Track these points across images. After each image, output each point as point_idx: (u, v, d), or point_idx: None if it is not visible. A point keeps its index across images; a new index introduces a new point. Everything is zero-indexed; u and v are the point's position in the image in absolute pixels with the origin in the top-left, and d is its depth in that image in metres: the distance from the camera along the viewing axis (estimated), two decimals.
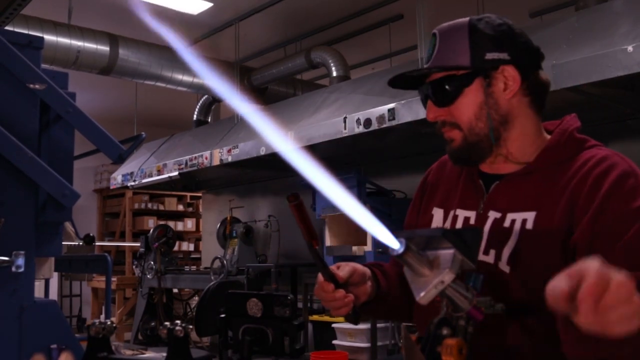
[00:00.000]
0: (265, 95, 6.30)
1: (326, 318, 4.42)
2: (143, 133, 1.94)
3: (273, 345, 1.20)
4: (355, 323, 1.18)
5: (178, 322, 1.18)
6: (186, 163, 5.50)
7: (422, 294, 0.81)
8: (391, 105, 3.75)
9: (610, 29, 2.81)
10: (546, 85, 1.23)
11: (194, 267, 6.45)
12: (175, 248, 6.96)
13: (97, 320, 1.22)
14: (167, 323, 1.19)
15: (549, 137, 1.23)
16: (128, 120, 7.57)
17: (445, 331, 0.81)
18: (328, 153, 4.51)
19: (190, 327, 1.21)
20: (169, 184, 6.17)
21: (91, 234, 3.71)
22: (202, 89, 6.01)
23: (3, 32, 1.65)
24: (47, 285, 4.60)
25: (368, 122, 3.89)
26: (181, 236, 8.70)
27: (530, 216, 1.13)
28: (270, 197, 6.06)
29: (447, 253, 0.81)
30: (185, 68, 5.54)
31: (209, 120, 6.65)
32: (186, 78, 5.67)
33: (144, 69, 5.39)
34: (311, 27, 5.73)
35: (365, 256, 4.14)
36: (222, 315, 1.40)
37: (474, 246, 0.82)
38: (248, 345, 1.19)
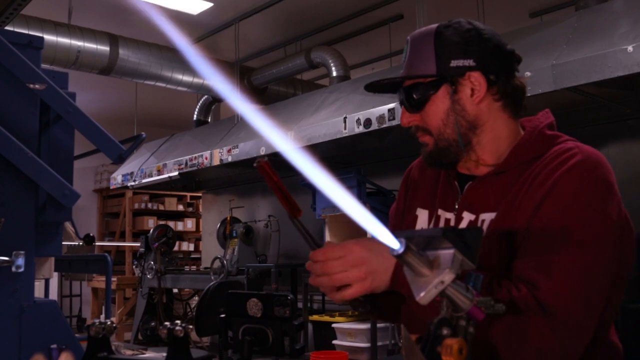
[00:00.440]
0: (265, 95, 6.31)
1: (326, 318, 4.42)
2: (143, 133, 1.94)
3: (273, 345, 1.20)
4: (359, 309, 1.17)
5: (178, 322, 1.18)
6: (186, 163, 5.50)
7: (422, 294, 0.81)
8: (391, 105, 3.75)
9: (610, 29, 2.81)
10: (520, 89, 1.24)
11: (194, 267, 6.46)
12: (175, 248, 6.96)
13: (97, 320, 1.22)
14: (167, 323, 1.19)
15: None
16: (128, 120, 7.57)
17: (445, 331, 0.81)
18: (328, 153, 4.51)
19: (190, 327, 1.21)
20: (169, 184, 6.18)
21: (91, 234, 3.71)
22: (202, 89, 6.01)
23: (3, 32, 1.65)
24: (47, 285, 4.60)
25: (368, 122, 3.89)
26: (181, 236, 8.70)
27: (492, 217, 1.15)
28: (270, 197, 6.06)
29: (447, 253, 0.81)
30: (185, 68, 5.55)
31: (209, 120, 6.65)
32: (186, 78, 5.67)
33: (144, 69, 5.39)
34: (311, 27, 5.74)
35: None
36: (222, 315, 1.40)
37: (474, 246, 0.82)
38: (248, 345, 1.19)
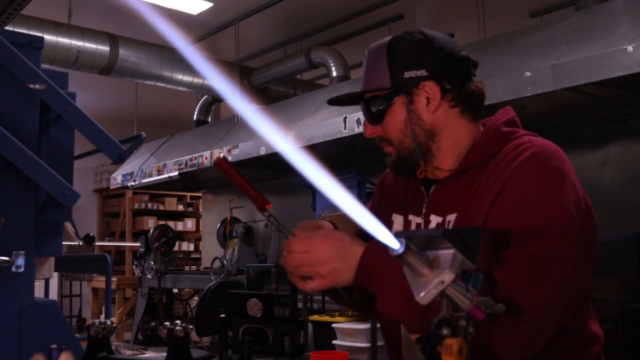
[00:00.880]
0: (265, 95, 6.30)
1: (326, 318, 4.42)
2: (143, 133, 1.94)
3: (273, 345, 1.20)
4: (352, 299, 1.20)
5: (178, 322, 1.18)
6: (186, 163, 5.50)
7: (422, 294, 0.81)
8: None
9: (610, 29, 2.81)
10: (477, 93, 1.25)
11: (194, 267, 6.45)
12: (175, 248, 6.96)
13: (97, 320, 1.22)
14: (167, 323, 1.19)
15: None
16: (128, 120, 7.57)
17: (445, 331, 0.81)
18: (328, 153, 4.51)
19: (190, 327, 1.21)
20: (169, 184, 6.18)
21: (91, 234, 3.71)
22: (202, 89, 6.01)
23: (3, 32, 1.65)
24: (47, 285, 4.60)
25: None
26: (181, 236, 8.70)
27: (453, 219, 1.17)
28: (270, 197, 6.00)
29: (447, 253, 0.81)
30: (185, 68, 5.55)
31: (209, 120, 6.65)
32: (186, 78, 5.67)
33: (144, 69, 5.39)
34: (311, 27, 5.74)
35: None
36: (222, 315, 1.40)
37: (474, 246, 0.82)
38: (248, 345, 1.19)
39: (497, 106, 1.31)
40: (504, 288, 1.02)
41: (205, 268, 6.17)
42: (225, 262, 5.39)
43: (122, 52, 5.20)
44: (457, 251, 0.81)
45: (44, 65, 1.75)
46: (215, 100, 6.58)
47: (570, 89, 2.89)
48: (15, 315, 1.52)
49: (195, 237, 9.03)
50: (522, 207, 1.08)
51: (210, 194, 7.05)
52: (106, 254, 4.38)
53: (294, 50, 6.00)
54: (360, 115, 3.95)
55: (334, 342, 4.32)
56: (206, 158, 5.27)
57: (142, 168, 6.11)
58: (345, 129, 4.03)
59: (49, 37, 4.69)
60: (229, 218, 5.93)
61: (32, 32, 3.91)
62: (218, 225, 6.10)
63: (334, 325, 4.30)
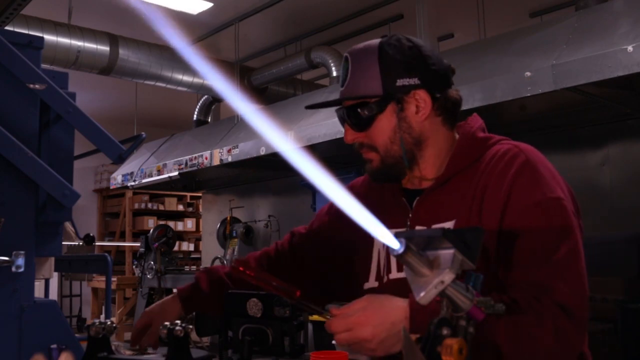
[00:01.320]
0: (265, 95, 6.30)
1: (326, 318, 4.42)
2: (143, 133, 1.93)
3: (273, 345, 1.20)
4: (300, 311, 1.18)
5: (178, 322, 1.18)
6: (186, 163, 5.49)
7: (422, 294, 0.81)
8: None
9: (610, 29, 2.81)
10: (457, 102, 1.26)
11: (194, 267, 6.45)
12: (175, 248, 6.96)
13: (97, 320, 1.22)
14: (167, 323, 1.19)
15: None
16: (128, 120, 7.57)
17: (445, 331, 0.81)
18: (328, 153, 4.51)
19: (190, 327, 1.21)
20: (169, 184, 6.17)
21: (91, 234, 3.70)
22: (202, 89, 6.01)
23: (3, 32, 1.65)
24: (47, 285, 4.60)
25: None
26: (181, 236, 8.70)
27: (450, 226, 1.16)
28: (270, 197, 6.05)
29: (447, 253, 0.82)
30: (185, 68, 5.54)
31: (209, 120, 6.64)
32: (186, 78, 5.67)
33: (144, 69, 5.39)
34: (311, 27, 5.73)
35: None
36: (222, 315, 1.40)
37: (474, 246, 0.82)
38: (248, 345, 1.19)
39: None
40: (563, 297, 1.03)
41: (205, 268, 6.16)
42: (225, 262, 5.38)
43: (122, 52, 5.20)
44: (457, 251, 0.81)
45: (44, 65, 1.75)
46: (215, 100, 6.57)
47: (570, 89, 2.88)
48: (15, 315, 1.51)
49: (195, 237, 9.03)
50: (537, 213, 1.09)
51: (210, 194, 7.05)
52: (106, 254, 4.38)
53: (294, 50, 6.00)
54: None
55: (334, 342, 4.31)
56: (206, 158, 5.27)
57: (142, 168, 6.11)
58: None
59: (49, 37, 4.68)
60: (229, 218, 5.92)
61: (32, 32, 3.91)
62: (218, 225, 6.10)
63: None
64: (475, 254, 0.82)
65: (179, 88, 5.80)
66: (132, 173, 6.26)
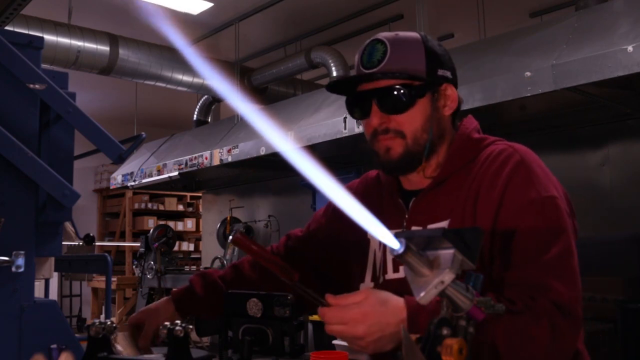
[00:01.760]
0: (265, 95, 6.30)
1: None
2: (143, 133, 1.93)
3: (273, 345, 1.19)
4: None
5: (178, 322, 1.18)
6: (186, 163, 5.49)
7: (422, 294, 0.81)
8: None
9: (610, 29, 2.81)
10: (461, 104, 1.28)
11: (194, 267, 6.45)
12: (175, 248, 6.96)
13: (97, 320, 1.22)
14: (167, 323, 1.19)
15: None
16: (128, 120, 7.57)
17: (445, 331, 0.81)
18: (328, 153, 4.51)
19: (190, 327, 1.21)
20: (169, 184, 6.17)
21: (91, 234, 3.71)
22: (202, 89, 6.01)
23: (3, 32, 1.65)
24: (47, 285, 4.60)
25: None
26: (181, 236, 8.70)
27: (444, 226, 1.17)
28: (270, 197, 6.05)
29: (447, 253, 0.82)
30: (185, 68, 5.54)
31: (209, 120, 6.65)
32: (186, 78, 5.67)
33: (144, 69, 5.39)
34: (311, 27, 5.73)
35: None
36: (222, 315, 1.40)
37: (474, 246, 0.82)
38: (248, 345, 1.19)
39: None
40: (560, 296, 1.03)
41: (205, 268, 6.17)
42: (225, 262, 5.38)
43: (122, 52, 5.20)
44: (457, 251, 0.81)
45: (44, 65, 1.75)
46: (215, 100, 6.57)
47: (570, 89, 2.88)
48: (15, 315, 1.51)
49: (195, 237, 9.03)
50: (532, 212, 1.10)
51: (210, 194, 7.05)
52: (106, 254, 4.38)
53: (294, 50, 6.00)
54: None
55: (334, 342, 4.31)
56: (206, 158, 5.27)
57: (142, 168, 6.11)
58: (345, 129, 4.02)
59: (49, 37, 4.68)
60: (229, 218, 5.92)
61: (32, 32, 3.91)
62: (218, 225, 6.10)
63: None
64: (475, 254, 0.82)
65: (179, 88, 5.80)
66: (132, 173, 6.26)
